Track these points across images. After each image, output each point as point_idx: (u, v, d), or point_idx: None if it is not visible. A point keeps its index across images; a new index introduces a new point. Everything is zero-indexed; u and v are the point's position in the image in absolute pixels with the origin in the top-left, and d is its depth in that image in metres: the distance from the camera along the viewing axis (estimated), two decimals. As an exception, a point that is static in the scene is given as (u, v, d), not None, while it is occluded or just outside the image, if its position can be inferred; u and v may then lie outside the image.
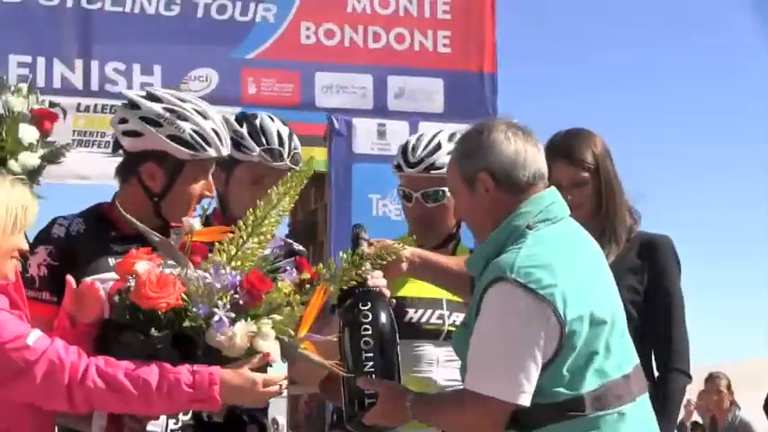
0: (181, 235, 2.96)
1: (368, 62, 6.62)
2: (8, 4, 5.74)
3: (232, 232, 2.74)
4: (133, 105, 3.02)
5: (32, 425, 2.69)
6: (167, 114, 2.98)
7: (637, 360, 2.63)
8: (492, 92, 6.70)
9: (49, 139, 4.27)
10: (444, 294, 3.38)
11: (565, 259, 2.53)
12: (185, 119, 2.97)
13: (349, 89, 6.59)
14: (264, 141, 3.33)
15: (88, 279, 2.88)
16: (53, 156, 3.85)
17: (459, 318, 3.31)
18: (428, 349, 3.39)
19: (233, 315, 2.43)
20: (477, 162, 2.61)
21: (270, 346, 2.49)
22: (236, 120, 3.41)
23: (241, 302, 2.45)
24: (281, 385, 2.58)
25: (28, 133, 3.74)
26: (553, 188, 2.67)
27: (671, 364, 3.40)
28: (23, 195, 2.80)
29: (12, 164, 3.62)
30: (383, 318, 2.88)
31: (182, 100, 3.09)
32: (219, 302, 2.44)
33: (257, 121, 3.36)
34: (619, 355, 2.52)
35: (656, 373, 3.40)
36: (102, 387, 2.48)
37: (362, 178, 6.34)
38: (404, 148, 3.57)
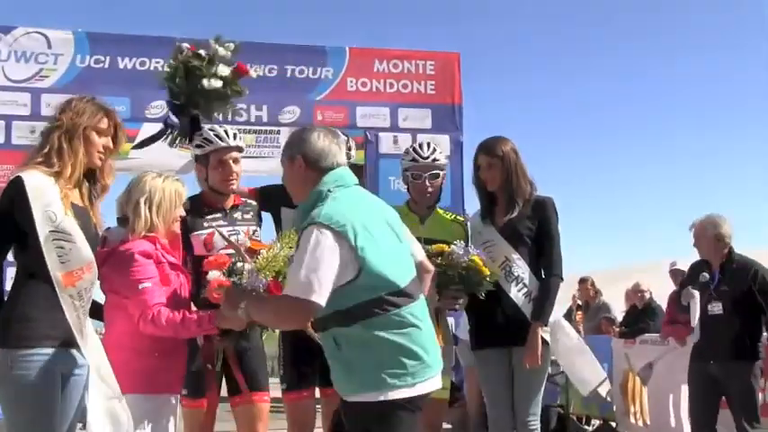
0: (242, 212, 3.87)
1: (386, 100, 8.86)
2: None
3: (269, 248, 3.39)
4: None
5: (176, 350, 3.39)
6: (197, 137, 4.02)
7: (413, 274, 3.00)
8: (459, 115, 9.03)
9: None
10: (423, 233, 4.07)
11: (353, 207, 2.94)
12: (201, 133, 4.03)
13: (376, 115, 8.80)
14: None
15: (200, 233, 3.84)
16: (236, 93, 4.50)
17: (428, 248, 3.95)
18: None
19: None
20: (296, 148, 3.09)
21: None
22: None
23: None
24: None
25: (222, 68, 4.43)
26: (343, 167, 3.10)
27: (551, 271, 4.17)
28: (175, 185, 3.53)
29: (204, 82, 4.34)
30: None
31: (210, 128, 4.04)
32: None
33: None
34: (397, 270, 2.90)
35: (543, 276, 4.15)
36: (162, 324, 3.23)
37: (385, 168, 8.48)
38: (416, 149, 4.31)
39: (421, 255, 3.29)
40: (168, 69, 4.39)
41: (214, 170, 3.94)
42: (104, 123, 3.21)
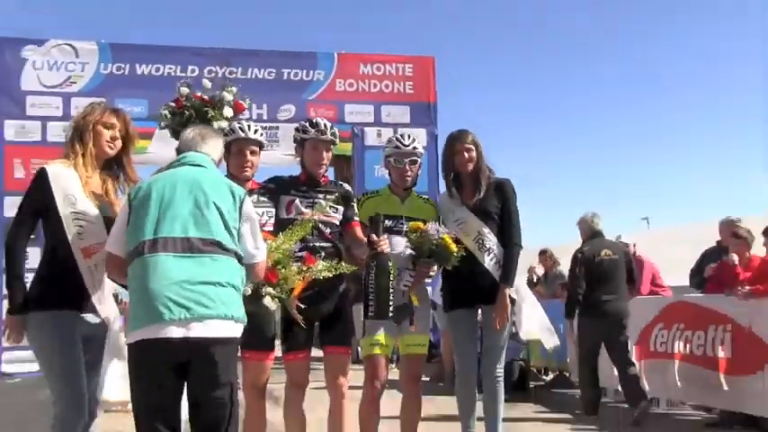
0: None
1: (370, 99, 9.81)
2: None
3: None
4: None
5: None
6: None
7: (192, 234, 3.00)
8: (434, 111, 9.90)
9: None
10: (404, 212, 4.40)
11: (158, 177, 3.17)
12: (230, 125, 4.31)
13: (362, 112, 9.72)
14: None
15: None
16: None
17: (407, 225, 4.31)
18: (396, 239, 4.32)
19: (263, 285, 3.52)
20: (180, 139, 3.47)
21: (270, 302, 3.57)
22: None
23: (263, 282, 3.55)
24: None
25: (227, 111, 5.07)
26: (191, 152, 3.30)
27: (513, 241, 4.48)
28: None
29: (214, 124, 4.80)
30: (382, 267, 3.97)
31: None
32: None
33: (313, 119, 4.30)
34: (160, 229, 2.97)
35: (507, 245, 4.43)
36: None
37: (370, 158, 9.36)
38: (398, 138, 4.50)
39: (254, 252, 3.28)
40: (173, 114, 4.97)
41: (233, 157, 4.11)
42: (111, 119, 3.54)
